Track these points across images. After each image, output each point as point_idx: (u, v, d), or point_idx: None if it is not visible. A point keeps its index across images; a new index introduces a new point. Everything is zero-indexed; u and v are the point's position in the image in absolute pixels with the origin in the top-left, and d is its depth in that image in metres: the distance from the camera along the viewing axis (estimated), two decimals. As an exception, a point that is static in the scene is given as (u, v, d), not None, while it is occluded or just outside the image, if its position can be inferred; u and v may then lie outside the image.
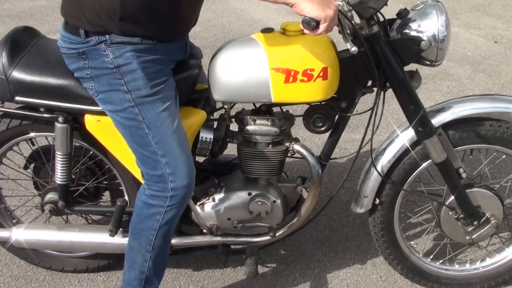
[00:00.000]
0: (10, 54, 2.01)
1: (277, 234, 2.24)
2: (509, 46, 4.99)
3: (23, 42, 2.07)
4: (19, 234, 2.25)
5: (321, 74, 1.95)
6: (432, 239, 2.54)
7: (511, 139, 2.11)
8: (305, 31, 1.74)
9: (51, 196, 2.26)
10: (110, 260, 2.44)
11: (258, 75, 1.95)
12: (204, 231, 2.23)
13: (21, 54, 2.03)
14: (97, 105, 1.99)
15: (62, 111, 2.05)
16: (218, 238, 2.24)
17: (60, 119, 2.05)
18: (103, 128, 2.04)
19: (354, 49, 1.81)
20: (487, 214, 2.23)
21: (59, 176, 2.16)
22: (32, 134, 2.19)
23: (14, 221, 2.42)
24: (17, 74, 2.00)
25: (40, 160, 2.30)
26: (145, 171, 1.94)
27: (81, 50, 1.88)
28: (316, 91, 1.98)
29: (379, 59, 1.97)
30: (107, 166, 2.26)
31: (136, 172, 2.09)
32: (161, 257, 2.05)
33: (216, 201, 2.19)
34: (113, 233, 2.19)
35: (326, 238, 2.71)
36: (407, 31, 1.97)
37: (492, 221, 2.22)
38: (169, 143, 1.89)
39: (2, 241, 2.31)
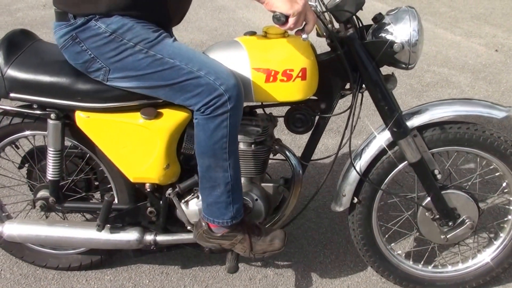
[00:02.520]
0: (6, 53, 2.13)
1: (259, 232, 2.32)
2: (510, 54, 5.10)
3: (20, 43, 2.19)
4: (11, 229, 2.33)
5: (300, 75, 2.06)
6: (411, 239, 2.60)
7: (484, 142, 2.20)
8: (276, 26, 1.87)
9: (43, 193, 2.35)
10: (102, 256, 2.52)
11: (240, 75, 2.05)
12: (189, 228, 2.31)
13: (17, 53, 2.15)
14: (88, 101, 2.10)
15: (54, 107, 2.15)
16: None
17: (52, 115, 2.15)
18: (93, 125, 2.14)
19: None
20: (463, 216, 2.30)
21: (50, 172, 2.25)
22: (27, 132, 2.29)
23: (4, 214, 2.52)
24: (12, 72, 2.11)
25: (33, 160, 2.39)
26: (192, 97, 1.99)
27: (73, 34, 2.02)
28: (295, 91, 2.08)
29: (355, 61, 2.08)
30: (94, 163, 2.35)
31: (125, 168, 2.19)
32: (237, 160, 2.10)
33: (200, 198, 2.28)
34: (100, 227, 2.27)
35: (328, 240, 2.78)
36: (381, 34, 2.08)
37: (467, 223, 2.30)
38: (197, 57, 2.01)
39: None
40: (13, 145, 2.39)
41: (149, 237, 2.32)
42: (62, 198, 2.33)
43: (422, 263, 2.48)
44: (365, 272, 2.59)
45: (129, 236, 2.30)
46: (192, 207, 2.28)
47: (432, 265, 2.49)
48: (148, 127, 2.11)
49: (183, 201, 2.28)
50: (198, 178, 2.19)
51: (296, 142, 3.31)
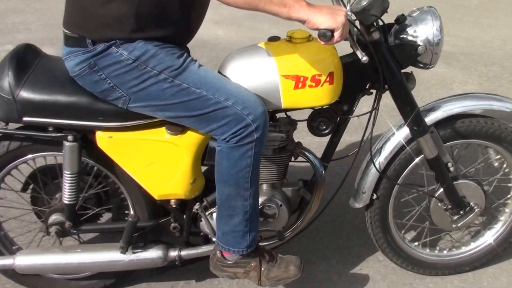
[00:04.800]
0: (16, 74, 1.97)
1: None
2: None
3: (28, 61, 2.03)
4: (23, 260, 2.18)
5: (328, 79, 2.05)
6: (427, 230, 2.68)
7: (496, 134, 2.30)
8: (322, 43, 1.84)
9: (55, 217, 2.21)
10: (116, 279, 2.40)
11: (268, 82, 2.02)
12: (214, 239, 2.25)
13: (27, 72, 1.99)
14: (110, 121, 1.99)
15: (72, 129, 2.02)
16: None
17: (70, 137, 2.02)
18: (116, 145, 2.04)
19: (365, 58, 1.92)
20: (471, 203, 2.40)
21: (67, 196, 2.12)
22: (30, 156, 2.15)
23: (14, 247, 2.34)
24: (25, 94, 1.96)
25: (37, 183, 2.24)
26: (219, 128, 1.93)
27: (91, 62, 1.88)
28: (323, 96, 2.07)
29: (379, 63, 2.10)
30: (103, 180, 2.25)
31: (150, 186, 2.11)
32: (257, 188, 2.05)
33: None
34: (124, 249, 2.17)
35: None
36: (404, 36, 2.11)
37: (476, 210, 2.40)
38: (224, 86, 1.93)
39: (5, 269, 2.24)
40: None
41: (173, 253, 2.25)
42: (78, 221, 2.21)
43: (435, 249, 2.58)
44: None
45: (154, 254, 2.22)
46: (214, 218, 2.23)
47: (445, 250, 2.59)
48: (175, 143, 2.03)
49: (207, 213, 2.22)
50: None
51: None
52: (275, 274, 2.13)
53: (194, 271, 2.50)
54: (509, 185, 2.50)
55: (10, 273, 2.28)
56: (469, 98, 2.31)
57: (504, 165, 2.45)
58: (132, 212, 2.26)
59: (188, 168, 2.07)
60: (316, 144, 2.84)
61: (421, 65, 2.16)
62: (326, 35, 1.80)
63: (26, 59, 2.03)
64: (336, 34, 1.81)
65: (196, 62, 1.98)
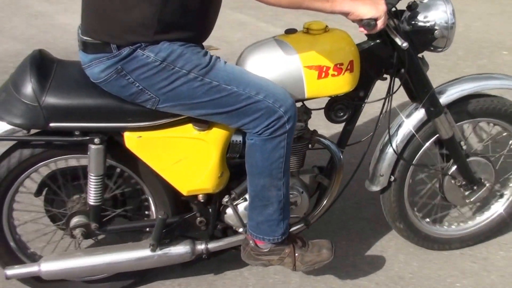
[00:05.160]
0: (39, 80, 1.93)
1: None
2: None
3: (47, 67, 2.00)
4: (49, 266, 2.15)
5: (349, 67, 2.09)
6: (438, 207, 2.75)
7: (506, 113, 2.40)
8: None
9: (78, 219, 2.20)
10: (134, 279, 2.40)
11: (292, 74, 2.04)
12: (240, 230, 2.28)
13: (49, 79, 1.96)
14: (138, 121, 1.98)
15: (98, 132, 2.00)
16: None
17: (96, 140, 2.00)
18: (144, 144, 2.03)
19: (405, 44, 1.97)
20: (483, 178, 2.49)
21: (92, 197, 2.11)
22: (50, 160, 2.12)
23: (29, 251, 2.32)
24: (51, 100, 1.93)
25: (54, 186, 2.22)
26: (251, 121, 1.95)
27: (118, 67, 1.87)
28: (345, 83, 2.11)
29: (397, 49, 2.14)
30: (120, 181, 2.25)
31: (178, 183, 2.12)
32: (289, 178, 2.10)
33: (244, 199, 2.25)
34: (154, 247, 2.17)
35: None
36: (418, 22, 2.16)
37: (487, 184, 2.50)
38: (253, 81, 1.95)
39: (28, 277, 2.22)
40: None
41: (200, 247, 2.26)
42: (103, 222, 2.20)
43: (445, 225, 2.68)
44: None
45: (182, 249, 2.23)
46: (241, 209, 2.25)
47: (455, 224, 2.69)
48: (203, 138, 2.04)
49: (235, 203, 2.24)
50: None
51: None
52: (310, 259, 2.18)
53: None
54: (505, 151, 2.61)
55: (29, 279, 2.26)
56: (477, 79, 2.39)
57: (511, 141, 2.54)
58: (153, 210, 2.27)
59: (216, 162, 2.08)
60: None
61: (437, 49, 2.21)
62: (370, 24, 1.85)
63: (45, 65, 2.00)
64: (379, 23, 1.87)
65: (221, 59, 1.98)
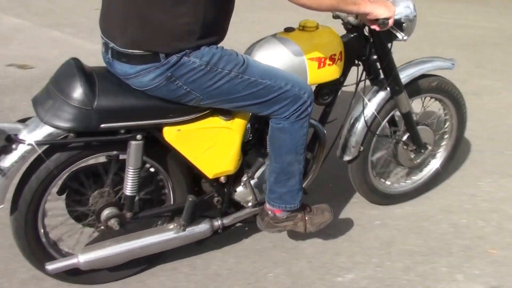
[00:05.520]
0: (89, 85, 2.10)
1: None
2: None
3: (88, 72, 2.16)
4: (87, 257, 2.33)
5: (340, 57, 2.51)
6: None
7: (445, 89, 2.98)
8: (377, 29, 2.30)
9: (109, 211, 2.38)
10: (147, 264, 2.62)
11: (297, 66, 2.40)
12: (249, 205, 2.60)
13: (95, 83, 2.12)
14: (178, 116, 2.23)
15: (140, 129, 2.22)
16: (260, 207, 2.62)
17: (139, 136, 2.21)
18: (182, 136, 2.27)
19: (406, 37, 2.40)
20: (427, 143, 3.05)
21: (129, 188, 2.31)
22: (86, 159, 2.29)
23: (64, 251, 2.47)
24: (102, 102, 2.10)
25: (75, 186, 2.39)
26: (281, 108, 2.28)
27: (168, 74, 2.09)
28: (337, 71, 2.53)
29: (374, 39, 2.59)
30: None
31: (206, 168, 2.40)
32: (305, 151, 2.45)
33: (258, 177, 2.59)
34: (185, 227, 2.44)
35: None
36: (388, 16, 2.61)
37: (429, 147, 3.06)
38: (279, 73, 2.28)
39: (67, 270, 2.37)
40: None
41: (217, 223, 2.55)
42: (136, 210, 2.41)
43: (398, 182, 3.23)
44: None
45: (203, 227, 2.51)
46: (255, 186, 2.58)
47: (404, 182, 3.25)
48: (229, 127, 2.34)
49: (245, 180, 2.55)
50: (264, 164, 2.52)
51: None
52: (317, 221, 2.57)
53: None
54: (446, 119, 3.20)
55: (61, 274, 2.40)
56: (426, 62, 2.91)
57: (444, 109, 3.13)
58: (171, 196, 2.52)
59: (238, 147, 2.40)
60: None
61: (400, 38, 2.68)
62: (385, 23, 2.25)
63: (86, 71, 2.16)
64: (390, 21, 2.27)
65: (248, 56, 2.28)
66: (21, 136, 2.13)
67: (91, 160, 2.34)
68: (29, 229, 2.30)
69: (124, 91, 2.16)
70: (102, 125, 2.14)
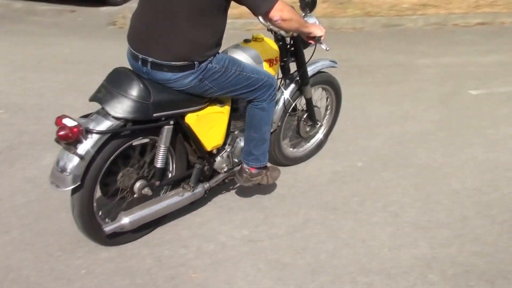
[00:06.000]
0: (145, 84, 2.88)
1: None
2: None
3: (138, 76, 2.94)
4: (131, 218, 3.07)
5: (278, 59, 3.62)
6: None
7: (329, 80, 4.23)
8: (312, 43, 3.40)
9: (141, 183, 3.13)
10: (154, 226, 3.38)
11: (260, 65, 3.43)
12: (224, 170, 3.54)
13: (146, 83, 2.90)
14: (197, 105, 3.12)
15: (173, 116, 3.04)
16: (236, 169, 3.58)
17: (171, 122, 3.04)
18: (199, 120, 3.16)
19: (328, 48, 3.52)
20: (318, 120, 4.28)
21: (159, 162, 3.11)
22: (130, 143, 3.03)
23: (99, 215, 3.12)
24: (156, 97, 2.89)
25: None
26: (262, 93, 3.24)
27: (201, 77, 2.96)
28: (277, 69, 3.63)
29: (295, 47, 3.74)
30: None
31: (208, 143, 3.30)
32: None
33: (232, 149, 3.54)
34: (194, 188, 3.31)
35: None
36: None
37: (319, 123, 4.31)
38: (259, 69, 3.26)
39: (116, 231, 3.08)
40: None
41: (206, 185, 3.44)
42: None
43: (296, 149, 4.39)
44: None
45: (200, 188, 3.39)
46: (231, 153, 3.54)
47: (301, 148, 4.43)
48: (223, 111, 3.30)
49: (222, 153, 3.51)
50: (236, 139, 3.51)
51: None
52: (275, 175, 3.64)
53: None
54: (327, 104, 4.47)
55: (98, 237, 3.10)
56: (319, 61, 4.12)
57: (328, 95, 4.41)
58: (172, 167, 3.35)
59: (227, 125, 3.36)
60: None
61: (324, 48, 3.81)
62: (319, 40, 3.35)
63: (138, 75, 2.94)
64: (322, 38, 3.36)
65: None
66: (91, 127, 2.82)
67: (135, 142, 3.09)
68: (90, 202, 2.97)
69: (164, 88, 2.97)
70: (155, 114, 2.93)
